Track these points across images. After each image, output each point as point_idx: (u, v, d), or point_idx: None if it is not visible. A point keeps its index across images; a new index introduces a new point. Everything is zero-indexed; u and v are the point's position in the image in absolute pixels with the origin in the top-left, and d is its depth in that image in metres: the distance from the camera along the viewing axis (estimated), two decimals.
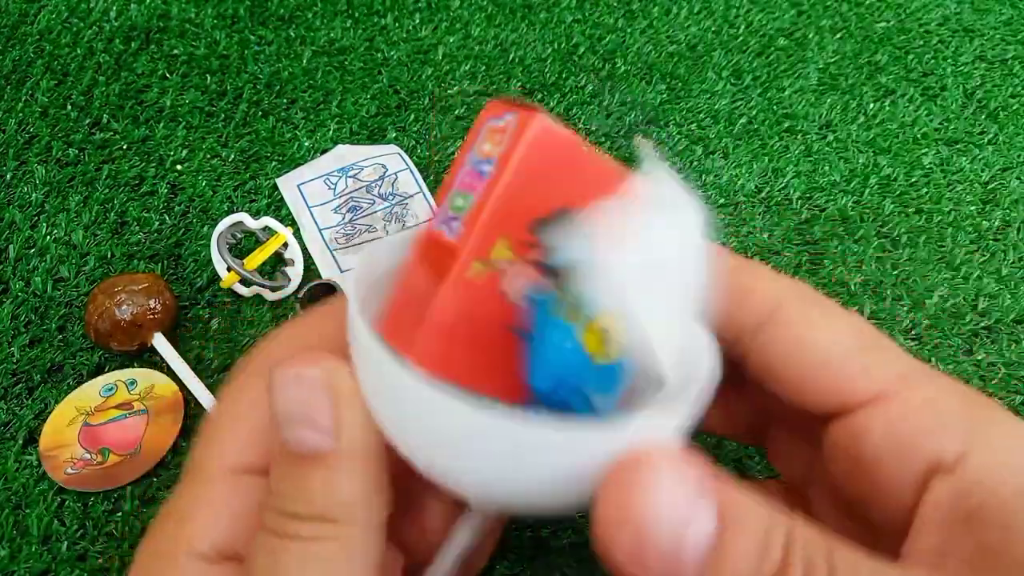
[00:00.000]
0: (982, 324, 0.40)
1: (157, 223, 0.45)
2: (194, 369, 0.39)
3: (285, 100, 0.52)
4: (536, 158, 0.19)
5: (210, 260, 0.43)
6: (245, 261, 0.41)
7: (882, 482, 0.19)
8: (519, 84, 0.53)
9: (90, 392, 0.38)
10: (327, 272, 0.43)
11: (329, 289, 0.39)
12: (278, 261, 0.43)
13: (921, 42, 0.57)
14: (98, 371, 0.39)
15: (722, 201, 0.46)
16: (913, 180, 0.47)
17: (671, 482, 0.15)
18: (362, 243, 0.45)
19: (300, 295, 0.38)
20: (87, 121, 0.51)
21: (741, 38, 0.57)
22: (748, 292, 0.21)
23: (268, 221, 0.42)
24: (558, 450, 0.15)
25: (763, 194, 0.47)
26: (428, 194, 0.47)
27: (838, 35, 0.57)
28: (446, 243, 0.18)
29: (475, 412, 0.15)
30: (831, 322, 0.20)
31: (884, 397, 0.19)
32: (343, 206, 0.46)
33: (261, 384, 0.21)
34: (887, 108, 0.52)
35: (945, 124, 0.51)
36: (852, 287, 0.42)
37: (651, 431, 0.16)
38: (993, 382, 0.38)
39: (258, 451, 0.22)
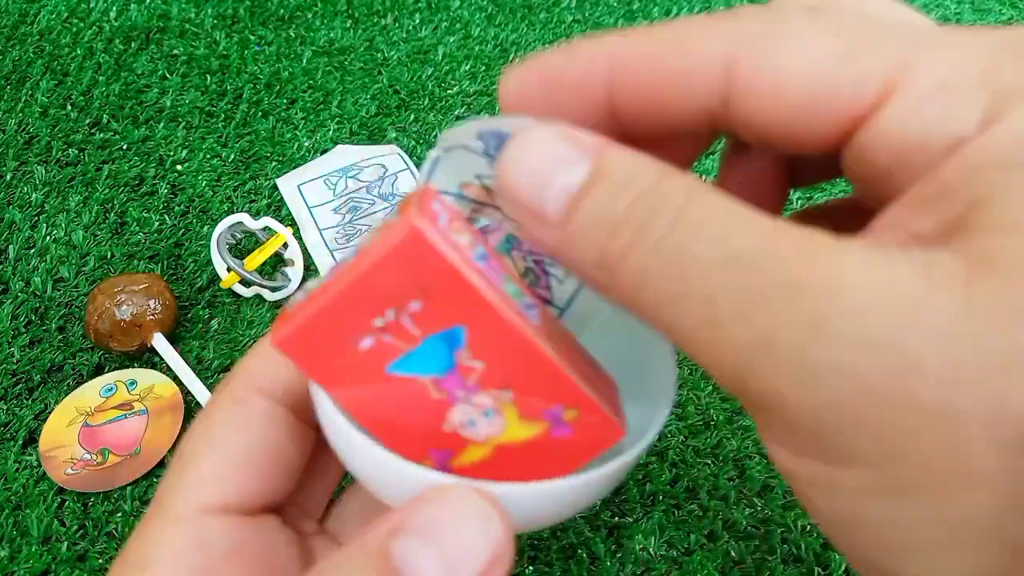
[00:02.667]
0: None
1: (157, 223, 0.45)
2: (194, 369, 0.39)
3: (285, 100, 0.52)
4: (394, 267, 0.18)
5: (210, 260, 0.43)
6: (245, 261, 0.41)
7: (883, 200, 0.15)
8: None
9: (90, 392, 0.38)
10: (327, 273, 0.43)
11: None
12: (278, 261, 0.43)
13: None
14: (98, 371, 0.39)
15: None
16: None
17: (553, 135, 0.16)
18: None
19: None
20: (87, 121, 0.51)
21: None
22: (687, 57, 0.16)
23: (268, 221, 0.42)
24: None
25: None
26: None
27: None
28: (284, 312, 0.19)
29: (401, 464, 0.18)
30: (802, 42, 0.15)
31: (882, 101, 0.15)
32: (343, 206, 0.46)
33: (240, 409, 0.20)
34: None
35: None
36: None
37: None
38: None
39: (236, 487, 0.19)
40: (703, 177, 0.20)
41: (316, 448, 0.22)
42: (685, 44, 0.16)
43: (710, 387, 0.38)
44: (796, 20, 0.16)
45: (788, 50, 0.15)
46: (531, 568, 0.33)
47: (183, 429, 0.37)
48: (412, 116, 0.51)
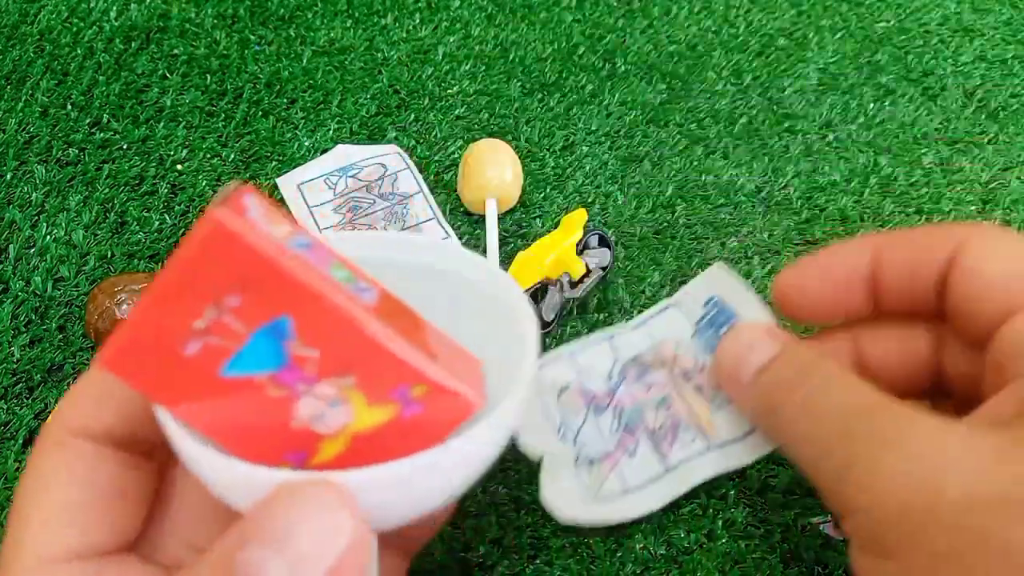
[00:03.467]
0: None
1: (157, 223, 0.46)
2: None
3: (285, 100, 0.52)
4: (203, 263, 0.17)
5: None
6: None
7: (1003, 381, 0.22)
8: (519, 84, 0.54)
9: None
10: None
11: None
12: None
13: (921, 42, 0.57)
14: None
15: (722, 201, 0.46)
16: (913, 180, 0.47)
17: (758, 329, 0.27)
18: None
19: None
20: (87, 121, 0.51)
21: (741, 38, 0.57)
22: (934, 241, 0.25)
23: None
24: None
25: (763, 194, 0.47)
26: (428, 194, 0.47)
27: (838, 35, 0.57)
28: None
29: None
30: (1007, 249, 0.23)
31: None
32: (343, 206, 0.46)
33: (65, 455, 0.19)
34: (887, 108, 0.52)
35: (945, 124, 0.51)
36: None
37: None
38: None
39: (77, 532, 0.19)
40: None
41: (192, 483, 0.21)
42: (935, 234, 0.25)
43: None
44: (996, 236, 0.24)
45: (1001, 249, 0.24)
46: (531, 567, 0.33)
47: None
48: (412, 116, 0.51)
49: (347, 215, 0.46)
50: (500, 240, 0.44)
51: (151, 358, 0.18)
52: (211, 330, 0.18)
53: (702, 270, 0.34)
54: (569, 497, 0.30)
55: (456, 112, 0.52)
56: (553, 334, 0.40)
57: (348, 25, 0.58)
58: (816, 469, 0.23)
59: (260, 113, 0.52)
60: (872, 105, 0.52)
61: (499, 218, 0.45)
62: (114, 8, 0.58)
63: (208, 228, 0.17)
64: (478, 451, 0.19)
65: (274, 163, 0.49)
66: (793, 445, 0.24)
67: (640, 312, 0.41)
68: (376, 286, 0.20)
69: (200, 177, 0.48)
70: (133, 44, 0.56)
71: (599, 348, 0.34)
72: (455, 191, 0.47)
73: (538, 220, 0.46)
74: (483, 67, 0.55)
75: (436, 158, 0.49)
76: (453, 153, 0.49)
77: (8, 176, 0.48)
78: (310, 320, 0.18)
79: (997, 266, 0.23)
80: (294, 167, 0.48)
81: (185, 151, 0.49)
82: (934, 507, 0.19)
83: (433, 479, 0.19)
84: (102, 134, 0.50)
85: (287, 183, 0.47)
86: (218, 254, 0.17)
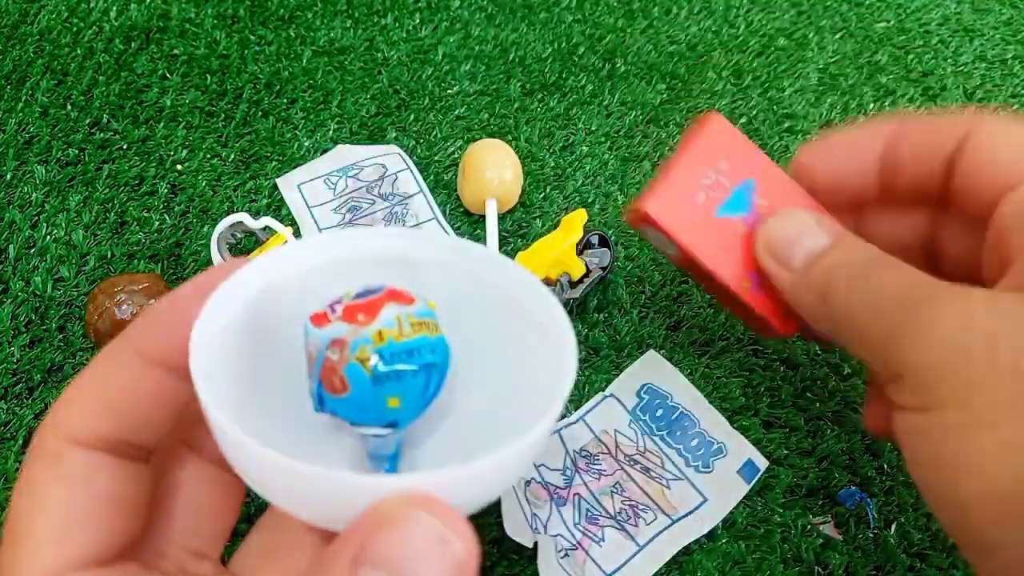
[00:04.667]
0: None
1: (157, 223, 0.46)
2: None
3: (285, 100, 0.52)
4: (707, 142, 0.29)
5: (210, 260, 0.43)
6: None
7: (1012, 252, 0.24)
8: (519, 84, 0.53)
9: None
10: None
11: None
12: None
13: (921, 42, 0.57)
14: None
15: None
16: None
17: (808, 215, 0.28)
18: None
19: None
20: (87, 121, 0.51)
21: (741, 38, 0.57)
22: (941, 128, 0.26)
23: (268, 221, 0.42)
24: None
25: None
26: (428, 194, 0.47)
27: (838, 35, 0.57)
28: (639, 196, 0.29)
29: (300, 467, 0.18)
30: (1015, 132, 0.25)
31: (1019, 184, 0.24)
32: (343, 206, 0.46)
33: (60, 464, 0.19)
34: (887, 108, 0.52)
35: None
36: None
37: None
38: None
39: (76, 543, 0.19)
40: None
41: (193, 489, 0.21)
42: (941, 121, 0.26)
43: (710, 386, 0.39)
44: (1004, 122, 0.25)
45: (997, 133, 0.25)
46: (531, 567, 0.33)
47: None
48: (412, 116, 0.51)
49: (347, 215, 0.46)
50: (500, 240, 0.44)
51: (677, 203, 0.28)
52: (712, 187, 0.29)
53: None
54: None
55: (456, 112, 0.52)
56: None
57: (348, 25, 0.58)
58: (866, 338, 0.24)
59: (260, 113, 0.52)
60: (872, 105, 0.52)
61: (499, 218, 0.45)
62: (114, 8, 0.58)
63: (711, 122, 0.29)
64: (540, 440, 0.21)
65: (274, 163, 0.49)
66: (846, 320, 0.25)
67: (639, 311, 0.41)
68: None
69: (200, 177, 0.48)
70: (133, 44, 0.56)
71: (551, 442, 0.36)
72: (455, 191, 0.47)
73: (538, 220, 0.46)
74: (483, 67, 0.55)
75: (436, 158, 0.49)
76: (453, 153, 0.49)
77: (8, 176, 0.48)
78: (766, 182, 0.29)
79: (1003, 143, 0.24)
80: (294, 167, 0.48)
81: (185, 151, 0.49)
82: (994, 359, 0.20)
83: (507, 470, 0.20)
84: (102, 134, 0.50)
85: (287, 183, 0.47)
86: (717, 137, 0.29)
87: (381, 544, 0.17)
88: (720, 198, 0.29)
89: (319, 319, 0.21)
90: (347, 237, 0.23)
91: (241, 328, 0.22)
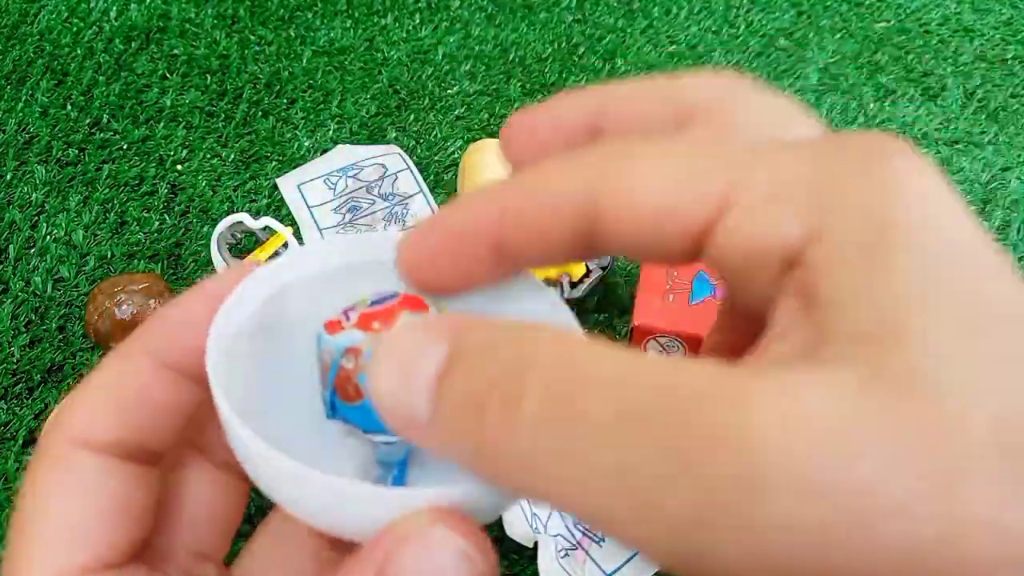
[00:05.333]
0: None
1: (157, 223, 0.45)
2: None
3: (285, 100, 0.52)
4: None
5: (210, 260, 0.43)
6: (245, 261, 0.41)
7: (757, 302, 0.16)
8: (519, 84, 0.53)
9: None
10: None
11: None
12: None
13: (921, 42, 0.57)
14: None
15: None
16: None
17: (410, 327, 0.16)
18: None
19: None
20: (87, 121, 0.51)
21: (741, 38, 0.57)
22: (551, 216, 0.17)
23: (268, 221, 0.42)
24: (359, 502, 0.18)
25: None
26: (428, 194, 0.47)
27: (838, 35, 0.57)
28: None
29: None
30: (650, 169, 0.16)
31: (718, 217, 0.15)
32: (343, 206, 0.46)
33: (66, 467, 0.19)
34: (887, 108, 0.52)
35: (945, 124, 0.51)
36: None
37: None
38: None
39: (85, 547, 0.18)
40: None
41: (198, 491, 0.21)
42: (553, 188, 0.17)
43: None
44: (651, 147, 0.16)
45: (639, 175, 0.16)
46: (531, 567, 0.33)
47: None
48: (412, 116, 0.51)
49: (347, 215, 0.46)
50: None
51: (653, 310, 0.36)
52: (673, 288, 0.37)
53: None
54: None
55: (456, 112, 0.52)
56: None
57: (348, 25, 0.58)
58: (616, 529, 0.13)
59: (260, 113, 0.52)
60: (872, 105, 0.52)
61: None
62: (114, 8, 0.58)
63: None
64: None
65: (274, 163, 0.49)
66: (558, 505, 0.14)
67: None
68: None
69: (200, 177, 0.48)
70: (133, 44, 0.56)
71: None
72: (455, 191, 0.47)
73: None
74: (483, 67, 0.55)
75: (436, 158, 0.49)
76: (453, 153, 0.49)
77: (8, 176, 0.48)
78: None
79: (655, 184, 0.16)
80: (294, 167, 0.48)
81: (185, 151, 0.49)
82: (877, 532, 0.12)
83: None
84: (102, 134, 0.50)
85: (287, 183, 0.47)
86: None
87: (406, 559, 0.17)
88: (687, 290, 0.37)
89: (333, 327, 0.21)
90: (357, 241, 0.23)
91: (253, 333, 0.22)
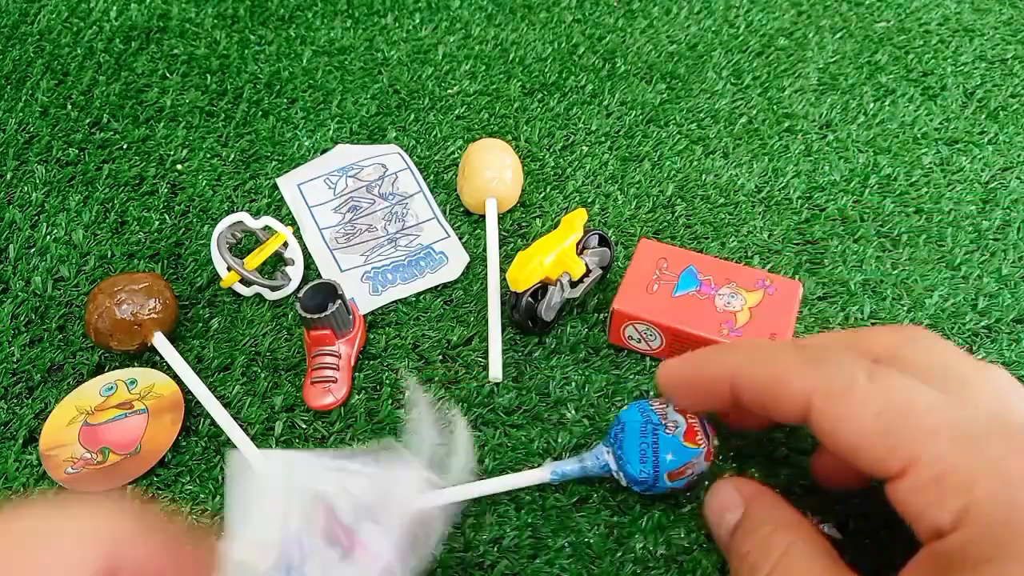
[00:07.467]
0: (982, 324, 0.40)
1: (157, 223, 0.46)
2: (194, 368, 0.39)
3: (285, 100, 0.52)
4: (644, 258, 0.40)
5: (210, 260, 0.43)
6: (245, 261, 0.41)
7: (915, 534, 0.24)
8: (519, 84, 0.54)
9: (90, 391, 0.38)
10: (327, 272, 0.43)
11: (330, 289, 0.39)
12: (278, 261, 0.43)
13: (921, 42, 0.57)
14: (98, 370, 0.39)
15: (722, 201, 0.46)
16: (913, 180, 0.47)
17: (725, 488, 0.31)
18: (362, 243, 0.45)
19: (300, 294, 0.38)
20: (87, 121, 0.51)
21: (741, 38, 0.57)
22: (781, 388, 0.27)
23: (268, 221, 0.42)
24: None
25: (763, 194, 0.47)
26: (428, 194, 0.47)
27: (838, 35, 0.57)
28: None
29: None
30: (856, 411, 0.25)
31: (902, 475, 0.24)
32: (343, 206, 0.46)
33: None
34: (887, 108, 0.52)
35: (945, 124, 0.51)
36: (852, 287, 0.42)
37: None
38: None
39: None
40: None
41: None
42: (782, 380, 0.27)
43: None
44: (858, 384, 0.25)
45: (846, 414, 0.25)
46: (531, 567, 0.33)
47: (183, 428, 0.37)
48: (412, 116, 0.51)
49: (347, 215, 0.46)
50: (500, 240, 0.44)
51: (636, 298, 0.37)
52: (660, 279, 0.38)
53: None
54: None
55: (456, 112, 0.52)
56: (553, 334, 0.40)
57: (348, 25, 0.58)
58: None
59: (260, 113, 0.52)
60: (872, 105, 0.52)
61: (499, 218, 0.45)
62: (114, 8, 0.58)
63: (643, 244, 0.40)
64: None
65: (274, 163, 0.49)
66: None
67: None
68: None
69: (200, 177, 0.48)
70: (133, 44, 0.56)
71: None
72: (455, 191, 0.47)
73: (538, 220, 0.46)
74: (483, 67, 0.55)
75: (436, 158, 0.49)
76: (453, 153, 0.49)
77: (8, 176, 0.48)
78: (703, 265, 0.39)
79: (856, 424, 0.25)
80: (294, 167, 0.48)
81: (185, 151, 0.49)
82: None
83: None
84: (102, 134, 0.50)
85: (287, 183, 0.47)
86: (651, 250, 0.39)
87: None
88: (672, 283, 0.38)
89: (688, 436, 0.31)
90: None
91: None
